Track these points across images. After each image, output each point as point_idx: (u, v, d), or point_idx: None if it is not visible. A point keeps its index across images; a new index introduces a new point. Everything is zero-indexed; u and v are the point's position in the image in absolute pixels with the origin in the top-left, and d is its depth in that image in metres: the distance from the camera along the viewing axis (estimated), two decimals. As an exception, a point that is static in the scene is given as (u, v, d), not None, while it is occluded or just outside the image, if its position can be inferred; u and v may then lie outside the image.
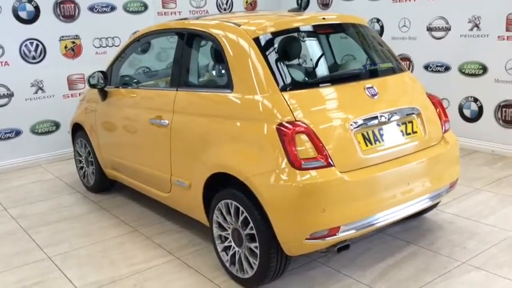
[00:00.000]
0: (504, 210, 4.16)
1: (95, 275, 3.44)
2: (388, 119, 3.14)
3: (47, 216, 4.55)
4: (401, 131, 3.20)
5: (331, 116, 2.98)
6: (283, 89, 2.96)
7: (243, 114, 3.07)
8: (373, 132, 3.06)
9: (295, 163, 2.78)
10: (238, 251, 3.15)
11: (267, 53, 3.08)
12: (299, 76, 3.19)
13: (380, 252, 3.56)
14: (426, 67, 6.21)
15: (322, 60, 3.57)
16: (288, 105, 2.90)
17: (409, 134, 3.23)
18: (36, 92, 6.07)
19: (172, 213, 4.12)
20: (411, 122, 3.27)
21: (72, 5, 6.17)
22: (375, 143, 3.05)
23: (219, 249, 3.30)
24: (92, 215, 4.54)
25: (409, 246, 3.61)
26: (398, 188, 3.08)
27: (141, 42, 4.31)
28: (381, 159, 3.04)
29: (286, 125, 2.84)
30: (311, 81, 3.20)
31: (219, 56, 3.32)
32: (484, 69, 5.62)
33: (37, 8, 5.93)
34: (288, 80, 3.04)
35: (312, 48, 3.55)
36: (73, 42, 6.24)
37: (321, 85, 3.15)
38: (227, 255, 3.24)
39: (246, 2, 7.73)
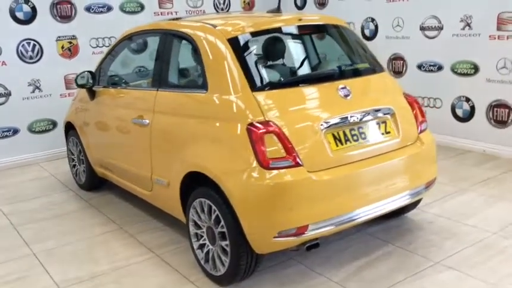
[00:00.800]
0: (487, 211, 4.16)
1: (75, 271, 3.52)
2: (360, 120, 3.17)
3: (37, 213, 4.65)
4: (374, 131, 3.22)
5: (301, 117, 3.02)
6: (255, 89, 3.01)
7: (216, 114, 3.12)
8: (343, 132, 3.10)
9: (264, 163, 2.83)
10: (211, 248, 3.21)
11: (240, 54, 3.12)
12: (272, 77, 3.23)
13: (357, 251, 3.59)
14: (419, 66, 6.20)
15: (296, 61, 3.61)
16: (258, 105, 2.95)
17: (382, 134, 3.26)
18: (33, 91, 6.18)
19: (158, 212, 4.18)
20: (384, 122, 3.30)
21: (69, 6, 6.27)
22: (346, 143, 3.08)
23: (195, 247, 3.37)
24: (81, 212, 4.63)
25: (386, 246, 3.64)
26: (369, 188, 3.11)
27: (126, 43, 4.38)
28: (351, 158, 3.08)
29: (256, 125, 2.88)
30: (283, 81, 3.24)
31: (195, 56, 3.38)
32: (476, 68, 5.61)
33: (34, 9, 6.03)
34: (260, 81, 3.09)
35: (286, 49, 3.58)
36: (70, 42, 6.35)
37: (293, 86, 3.20)
38: (202, 252, 3.30)
39: (244, 2, 7.78)
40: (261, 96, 2.99)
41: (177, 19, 4.04)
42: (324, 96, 3.18)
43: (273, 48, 3.24)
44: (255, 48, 3.22)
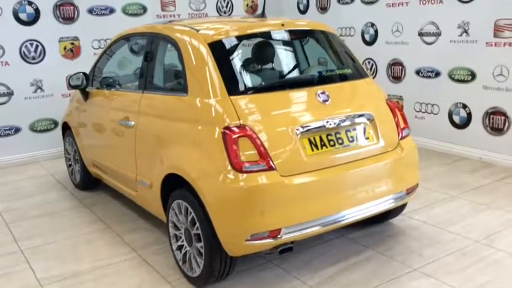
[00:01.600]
0: (473, 218, 4.14)
1: (59, 268, 3.60)
2: (338, 125, 3.19)
3: (30, 211, 4.75)
4: (352, 137, 3.24)
5: (277, 121, 3.05)
6: (233, 93, 3.05)
7: (194, 117, 3.17)
8: (320, 137, 3.12)
9: (237, 166, 2.86)
10: (189, 250, 3.25)
11: (220, 58, 3.17)
12: (251, 81, 3.26)
13: (336, 255, 3.60)
14: (418, 72, 6.18)
15: (277, 66, 3.63)
16: (235, 109, 2.99)
17: (360, 139, 3.27)
18: (35, 91, 6.31)
19: (146, 212, 4.23)
20: (364, 128, 3.31)
21: (72, 8, 6.39)
22: (322, 148, 3.10)
23: (174, 248, 3.42)
24: (72, 211, 4.71)
25: (366, 251, 3.65)
26: (345, 193, 3.13)
27: (117, 46, 4.46)
28: (327, 163, 3.09)
29: (231, 128, 2.92)
30: (262, 86, 3.26)
31: (178, 59, 3.43)
32: (473, 75, 5.57)
33: (37, 10, 6.16)
34: (238, 85, 3.13)
35: (267, 54, 3.61)
36: (72, 44, 6.46)
37: (271, 90, 3.23)
38: (180, 253, 3.35)
39: (247, 5, 7.83)
40: (238, 100, 3.03)
41: (170, 22, 4.09)
42: (302, 101, 3.21)
43: (256, 52, 3.27)
44: (236, 53, 3.25)
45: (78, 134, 4.92)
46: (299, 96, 3.23)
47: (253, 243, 2.92)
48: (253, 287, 3.25)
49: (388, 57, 6.54)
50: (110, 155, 4.33)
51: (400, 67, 6.40)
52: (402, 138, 3.51)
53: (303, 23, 3.79)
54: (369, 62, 6.82)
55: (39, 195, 5.19)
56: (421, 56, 6.10)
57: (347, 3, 6.98)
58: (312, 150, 3.07)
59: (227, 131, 2.91)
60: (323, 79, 3.43)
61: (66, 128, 5.30)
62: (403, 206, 3.91)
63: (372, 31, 6.70)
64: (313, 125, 3.10)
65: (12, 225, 4.43)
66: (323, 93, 3.23)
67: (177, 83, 3.44)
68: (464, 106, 5.73)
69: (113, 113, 4.09)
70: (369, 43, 6.76)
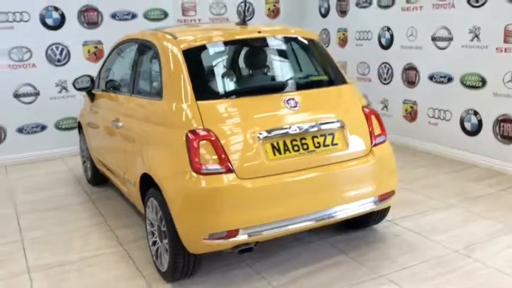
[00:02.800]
0: (462, 228, 4.07)
1: (49, 258, 3.86)
2: (304, 131, 3.25)
3: (42, 204, 5.08)
4: (318, 143, 3.29)
5: (240, 126, 3.15)
6: (201, 98, 3.19)
7: (166, 121, 3.33)
8: (284, 142, 3.19)
9: (196, 168, 3.00)
10: (160, 246, 3.42)
11: (192, 65, 3.31)
12: (219, 87, 3.39)
13: (310, 258, 3.66)
14: (431, 77, 6.08)
15: (250, 72, 3.72)
16: (200, 114, 3.13)
17: (327, 145, 3.31)
18: (60, 92, 6.70)
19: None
20: (332, 134, 3.35)
21: (96, 13, 6.74)
22: (285, 153, 3.18)
23: (150, 244, 3.59)
24: (79, 206, 5.00)
25: (339, 255, 3.68)
26: (307, 197, 3.19)
27: (117, 51, 4.71)
28: (289, 168, 3.16)
29: (194, 132, 3.06)
30: (230, 91, 3.38)
31: (157, 65, 3.60)
32: (484, 81, 5.43)
33: (62, 16, 6.55)
34: (207, 91, 3.27)
35: (240, 60, 3.71)
36: (96, 47, 6.81)
37: (240, 96, 3.33)
38: (154, 249, 3.52)
39: (268, 10, 7.94)
40: (204, 105, 3.16)
41: (157, 29, 4.27)
42: (269, 107, 3.29)
43: (230, 59, 3.39)
44: (209, 60, 3.38)
45: (87, 133, 5.22)
46: (267, 102, 3.31)
47: (212, 242, 3.04)
48: (220, 284, 3.37)
49: (403, 62, 6.46)
50: (107, 153, 4.59)
51: (414, 72, 6.32)
52: (376, 145, 3.52)
53: (281, 30, 3.87)
54: (385, 66, 6.76)
55: (54, 189, 5.53)
56: (434, 61, 6.00)
57: (365, 6, 6.94)
58: (274, 154, 3.15)
59: (190, 135, 3.05)
60: (294, 85, 3.50)
61: (80, 127, 5.62)
62: (384, 212, 3.91)
63: (387, 35, 6.64)
64: (277, 130, 3.17)
65: (22, 216, 4.76)
66: (292, 99, 3.30)
67: (155, 87, 3.61)
68: (476, 113, 5.59)
69: (109, 114, 4.33)
70: (385, 47, 6.70)
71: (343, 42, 7.50)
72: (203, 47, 3.42)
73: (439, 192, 4.86)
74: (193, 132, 3.06)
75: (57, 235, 4.30)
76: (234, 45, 3.61)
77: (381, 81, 6.88)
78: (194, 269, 3.31)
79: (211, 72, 3.41)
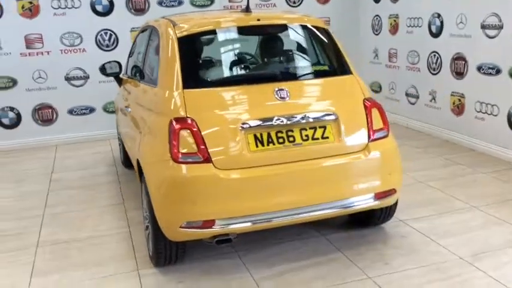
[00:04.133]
0: (477, 233, 3.76)
1: (60, 234, 4.08)
2: (291, 123, 3.14)
3: (74, 182, 5.37)
4: (307, 135, 3.17)
5: (223, 116, 3.12)
6: (187, 87, 3.19)
7: (156, 107, 3.37)
8: (268, 134, 3.11)
9: (174, 156, 3.02)
10: (150, 231, 3.49)
11: (185, 52, 3.32)
12: (207, 76, 3.36)
13: (302, 253, 3.57)
14: (479, 68, 5.63)
15: (243, 61, 3.63)
16: (184, 102, 3.13)
17: (317, 139, 3.18)
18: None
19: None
20: (323, 127, 3.21)
21: (143, 0, 6.93)
22: (268, 145, 3.10)
23: (144, 228, 3.68)
24: (106, 186, 5.23)
25: (334, 253, 3.55)
26: (287, 191, 3.10)
27: (138, 37, 4.81)
28: (272, 160, 3.08)
29: (176, 120, 3.07)
30: (218, 80, 3.34)
31: (159, 52, 3.63)
32: (533, 74, 4.94)
33: (111, 3, 6.81)
34: (193, 79, 3.26)
35: (236, 49, 3.64)
36: (142, 33, 7.01)
37: (228, 85, 3.29)
38: (146, 233, 3.60)
39: (318, -5, 7.73)
40: (189, 93, 3.16)
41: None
42: (256, 97, 3.22)
43: (224, 47, 3.35)
44: (203, 47, 3.36)
45: (117, 116, 5.43)
46: (255, 92, 3.24)
47: (189, 231, 3.05)
48: (206, 272, 3.38)
49: (451, 51, 6.03)
50: (125, 137, 4.74)
51: (463, 62, 5.87)
52: (374, 140, 3.33)
53: (282, 17, 3.74)
54: (434, 56, 6.35)
55: (91, 169, 5.82)
56: (482, 50, 5.54)
57: (416, -8, 6.55)
58: (257, 146, 3.09)
59: (172, 123, 3.07)
60: (287, 75, 3.38)
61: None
62: (390, 211, 3.71)
63: (438, 22, 6.22)
64: (260, 121, 3.10)
65: (52, 193, 5.07)
66: (281, 90, 3.20)
67: (153, 74, 3.66)
68: (524, 108, 5.12)
69: (124, 100, 4.46)
70: (435, 35, 6.29)
71: (394, 29, 7.14)
72: (198, 35, 3.41)
73: (466, 193, 4.51)
74: (176, 120, 3.07)
75: (75, 212, 4.53)
76: (230, 34, 3.55)
77: (430, 71, 6.48)
78: (178, 256, 3.34)
79: (203, 60, 3.39)
